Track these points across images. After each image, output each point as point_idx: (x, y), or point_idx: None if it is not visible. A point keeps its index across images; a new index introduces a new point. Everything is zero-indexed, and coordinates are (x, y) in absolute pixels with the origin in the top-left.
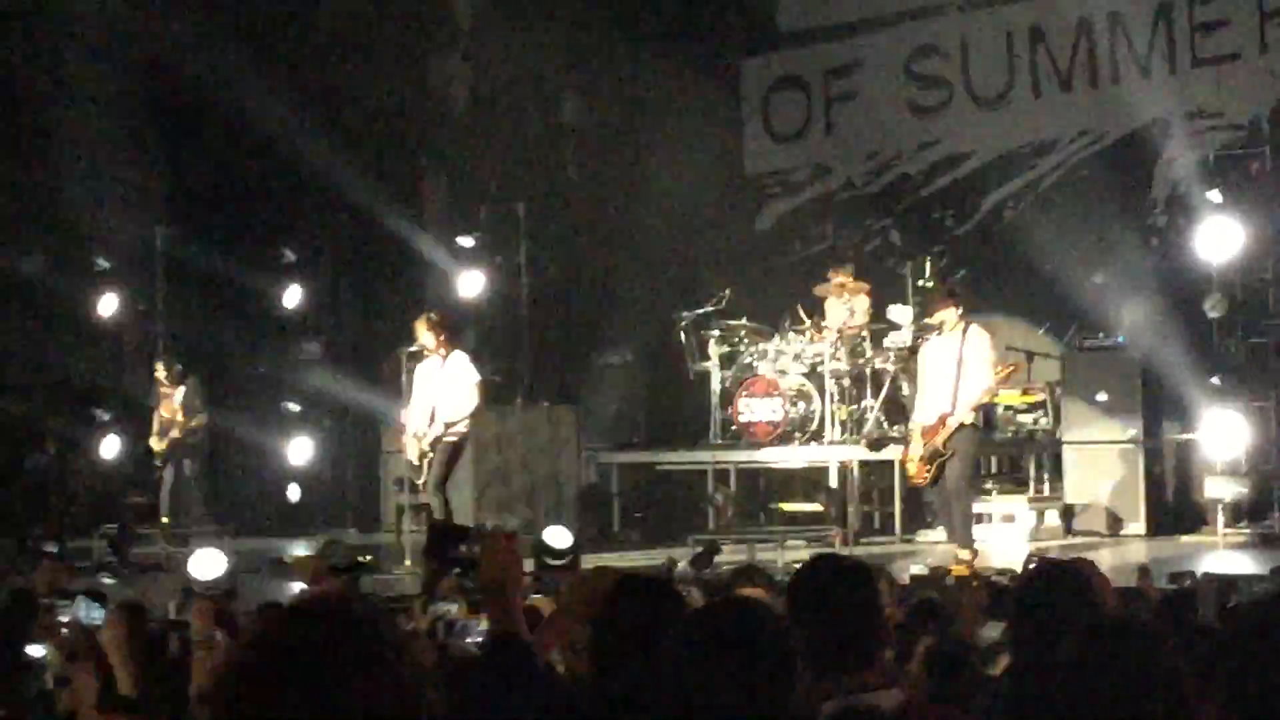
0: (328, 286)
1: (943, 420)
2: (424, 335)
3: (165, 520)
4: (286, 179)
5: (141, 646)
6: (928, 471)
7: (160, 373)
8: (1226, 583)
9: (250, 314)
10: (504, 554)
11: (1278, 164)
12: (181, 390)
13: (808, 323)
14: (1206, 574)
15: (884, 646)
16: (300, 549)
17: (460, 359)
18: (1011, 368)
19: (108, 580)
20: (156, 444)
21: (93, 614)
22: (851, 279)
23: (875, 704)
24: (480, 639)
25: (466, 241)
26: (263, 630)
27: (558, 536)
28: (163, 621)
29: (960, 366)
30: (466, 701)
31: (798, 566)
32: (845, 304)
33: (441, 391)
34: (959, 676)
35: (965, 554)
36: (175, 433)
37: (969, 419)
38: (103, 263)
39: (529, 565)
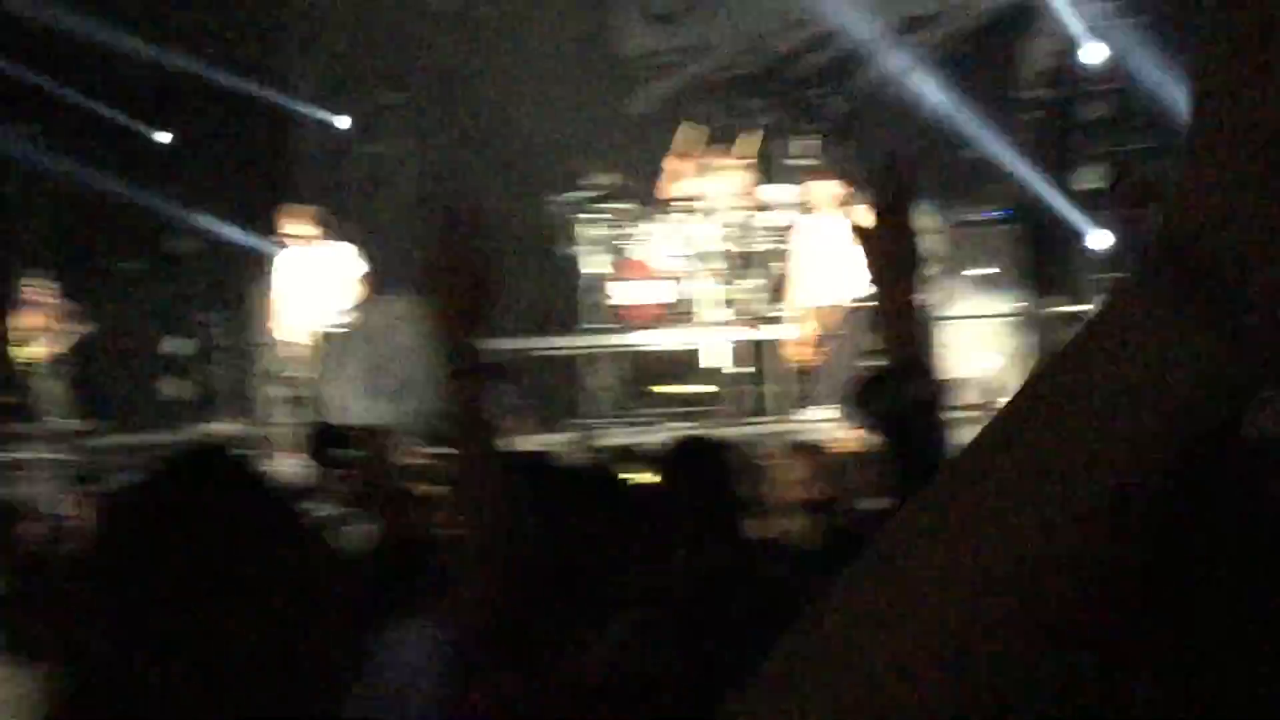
0: (200, 177)
1: (831, 301)
2: (299, 226)
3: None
4: (152, 73)
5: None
6: (817, 353)
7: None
8: None
9: (119, 212)
10: (383, 454)
11: (1158, 35)
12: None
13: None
14: None
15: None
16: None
17: (345, 250)
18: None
19: None
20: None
21: None
22: (727, 158)
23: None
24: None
25: (342, 124)
26: (136, 483)
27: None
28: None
29: (842, 246)
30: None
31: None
32: (724, 183)
33: (322, 283)
34: None
35: (848, 431)
36: (56, 345)
37: (855, 298)
38: None
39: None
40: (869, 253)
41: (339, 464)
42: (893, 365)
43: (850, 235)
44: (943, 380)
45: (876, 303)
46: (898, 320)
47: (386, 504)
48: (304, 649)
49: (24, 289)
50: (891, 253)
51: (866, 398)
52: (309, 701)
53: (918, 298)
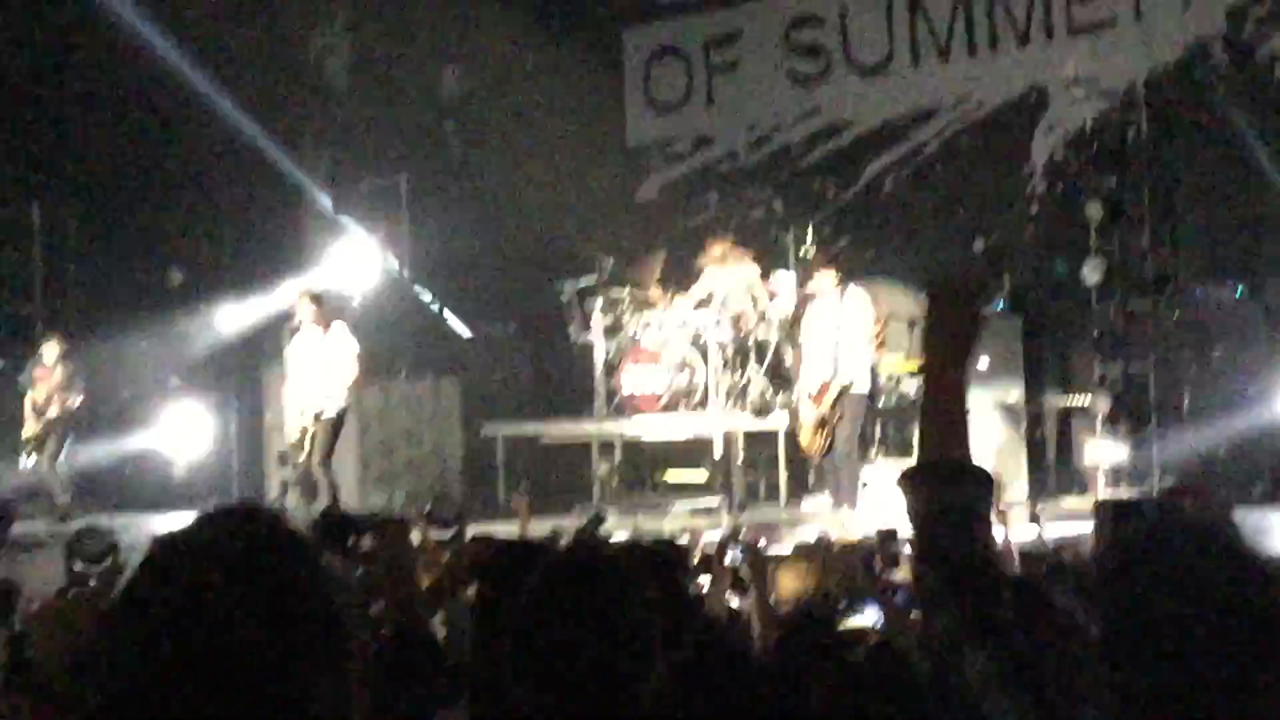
0: (210, 262)
1: (826, 386)
2: (303, 309)
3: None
4: (166, 151)
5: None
6: (818, 440)
7: (46, 352)
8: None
9: (132, 290)
10: (399, 545)
11: (1153, 130)
12: (61, 369)
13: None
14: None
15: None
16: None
17: (340, 330)
18: (891, 332)
19: None
20: (33, 428)
21: None
22: (732, 249)
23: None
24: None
25: (348, 214)
26: (165, 540)
27: (444, 508)
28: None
29: (840, 332)
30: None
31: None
32: (728, 273)
33: (323, 364)
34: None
35: (849, 519)
36: (55, 411)
37: (851, 382)
38: None
39: (415, 537)
40: (929, 344)
41: (350, 554)
42: (945, 462)
43: (923, 322)
44: (989, 483)
45: (931, 395)
46: (949, 415)
47: (398, 595)
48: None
49: (40, 354)
50: (954, 347)
51: (916, 492)
52: None
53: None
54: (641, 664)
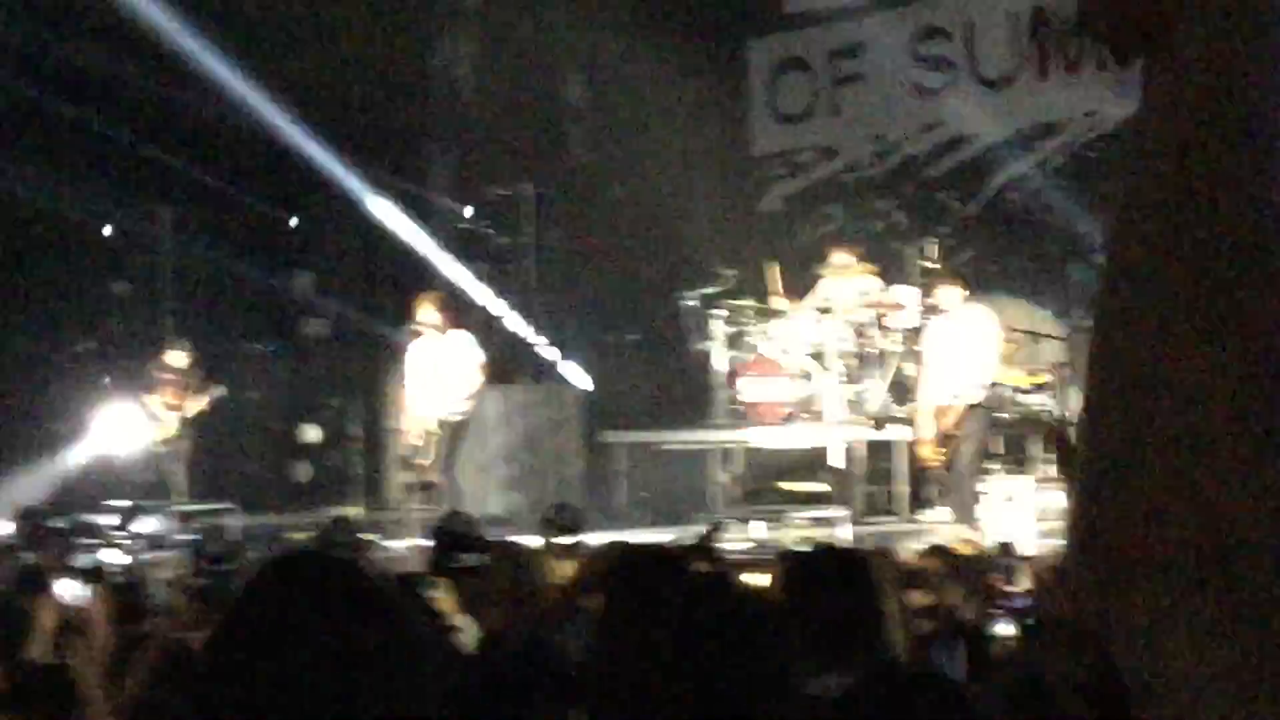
0: (332, 268)
1: (952, 402)
2: (428, 314)
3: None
4: (289, 160)
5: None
6: (939, 454)
7: (171, 357)
8: None
9: (255, 296)
10: (508, 564)
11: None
12: (191, 372)
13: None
14: None
15: (880, 633)
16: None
17: (464, 338)
18: (1014, 346)
19: (113, 558)
20: (165, 428)
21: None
22: (855, 260)
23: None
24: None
25: (472, 222)
26: (253, 582)
27: (566, 515)
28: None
29: (967, 348)
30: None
31: (795, 556)
32: (850, 284)
33: (445, 370)
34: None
35: (970, 533)
36: (188, 412)
37: (978, 400)
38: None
39: (538, 541)
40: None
41: (464, 570)
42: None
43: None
44: None
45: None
46: None
47: (508, 608)
48: None
49: (164, 359)
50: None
51: None
52: None
53: None
54: (778, 687)
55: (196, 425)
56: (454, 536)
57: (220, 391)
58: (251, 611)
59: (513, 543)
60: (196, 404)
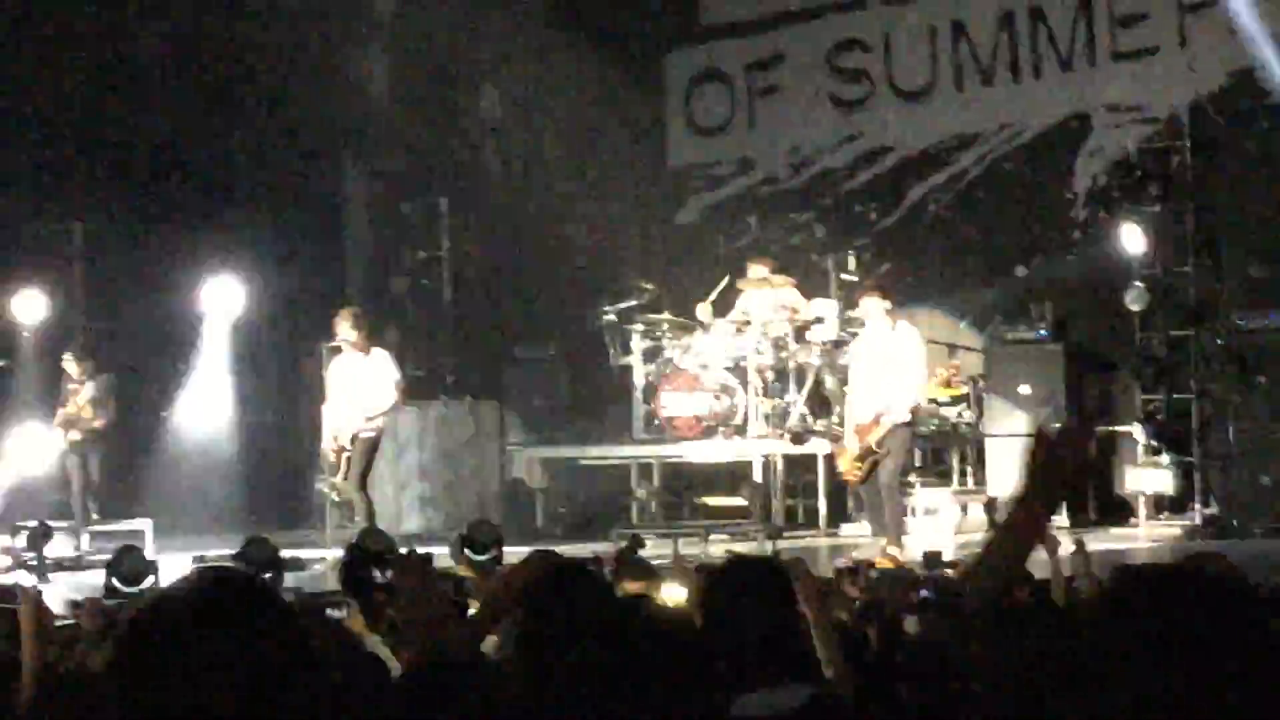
0: (248, 280)
1: (877, 419)
2: (346, 330)
3: (94, 517)
4: (208, 172)
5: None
6: (859, 469)
7: (70, 366)
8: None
9: (169, 309)
10: (419, 582)
11: (1197, 158)
12: (91, 385)
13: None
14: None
15: (801, 644)
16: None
17: (381, 355)
18: (953, 369)
19: (25, 580)
20: (62, 440)
21: None
22: (771, 272)
23: (779, 700)
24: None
25: (388, 235)
26: (156, 599)
27: (482, 532)
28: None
29: (891, 364)
30: None
31: (714, 567)
32: (768, 297)
33: (361, 387)
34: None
35: (894, 549)
36: (76, 431)
37: (904, 419)
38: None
39: (450, 563)
40: (1027, 482)
41: (378, 588)
42: (991, 573)
43: (1024, 447)
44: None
45: (1012, 525)
46: (1020, 548)
47: (422, 629)
48: None
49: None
50: (1049, 491)
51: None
52: None
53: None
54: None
55: (93, 443)
56: (367, 553)
57: (102, 421)
58: (155, 625)
59: (427, 557)
60: (89, 422)
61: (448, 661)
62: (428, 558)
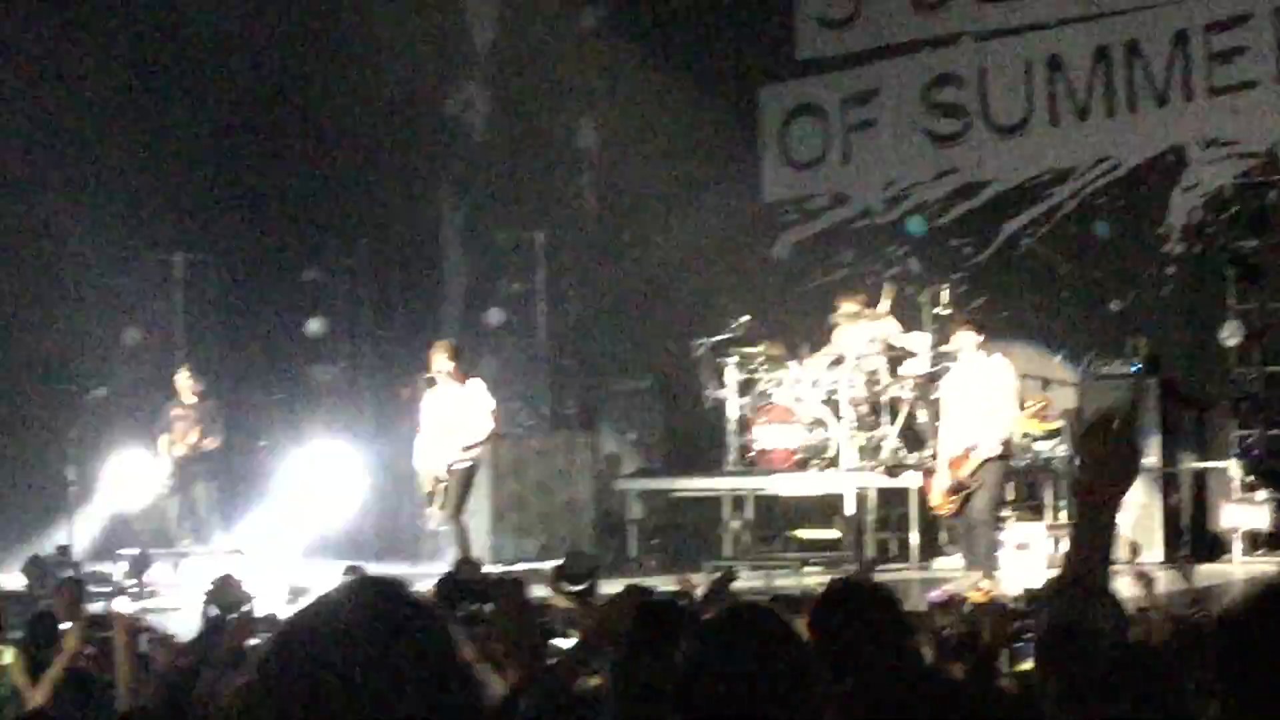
0: (347, 312)
1: (968, 453)
2: (441, 361)
3: (186, 541)
4: (307, 204)
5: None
6: (952, 503)
7: (185, 382)
8: None
9: (271, 339)
10: (514, 608)
11: None
12: (201, 408)
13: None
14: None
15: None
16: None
17: (476, 385)
18: (1044, 402)
19: (126, 604)
20: (167, 462)
21: None
22: (864, 306)
23: None
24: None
25: (485, 268)
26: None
27: (577, 563)
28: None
29: (984, 398)
30: None
31: (820, 591)
32: (861, 331)
33: (456, 418)
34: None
35: (987, 583)
36: (184, 452)
37: (995, 452)
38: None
39: (546, 592)
40: (1091, 468)
41: (471, 619)
42: (1082, 583)
43: (1078, 442)
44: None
45: (1083, 512)
46: (1104, 534)
47: (521, 656)
48: None
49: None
50: (1114, 467)
51: (1055, 602)
52: None
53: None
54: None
55: (199, 468)
56: (461, 584)
57: (214, 443)
58: (309, 624)
59: (521, 586)
60: (196, 445)
61: (549, 687)
62: (520, 584)
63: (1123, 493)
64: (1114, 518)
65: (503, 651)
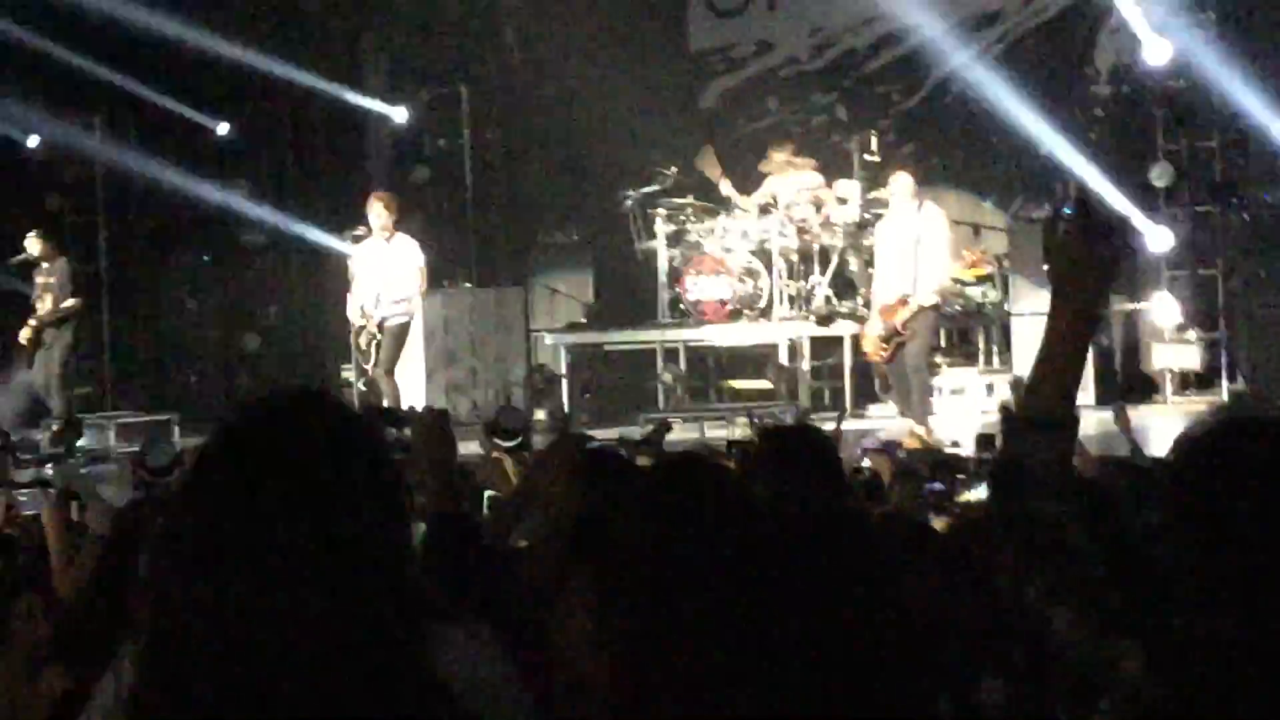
0: (268, 171)
1: (903, 301)
2: (379, 213)
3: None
4: (221, 67)
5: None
6: (884, 350)
7: (34, 246)
8: None
9: (190, 202)
10: (434, 434)
11: (1224, 33)
12: (56, 266)
13: (742, 201)
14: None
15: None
16: None
17: (405, 241)
18: (980, 254)
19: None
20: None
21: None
22: (793, 155)
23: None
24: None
25: (400, 118)
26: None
27: (509, 417)
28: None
29: (918, 246)
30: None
31: (754, 436)
32: (790, 180)
33: (387, 273)
34: None
35: (921, 429)
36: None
37: (930, 301)
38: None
39: (479, 448)
40: (1059, 292)
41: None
42: (1046, 412)
43: (1042, 255)
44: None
45: (1056, 341)
46: (1072, 361)
47: (437, 480)
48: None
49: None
50: (1083, 295)
51: (1013, 435)
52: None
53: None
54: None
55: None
56: (384, 410)
57: (73, 304)
58: (231, 445)
59: (445, 415)
60: (48, 312)
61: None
62: (444, 413)
63: (1093, 323)
64: (1083, 352)
65: (418, 479)
